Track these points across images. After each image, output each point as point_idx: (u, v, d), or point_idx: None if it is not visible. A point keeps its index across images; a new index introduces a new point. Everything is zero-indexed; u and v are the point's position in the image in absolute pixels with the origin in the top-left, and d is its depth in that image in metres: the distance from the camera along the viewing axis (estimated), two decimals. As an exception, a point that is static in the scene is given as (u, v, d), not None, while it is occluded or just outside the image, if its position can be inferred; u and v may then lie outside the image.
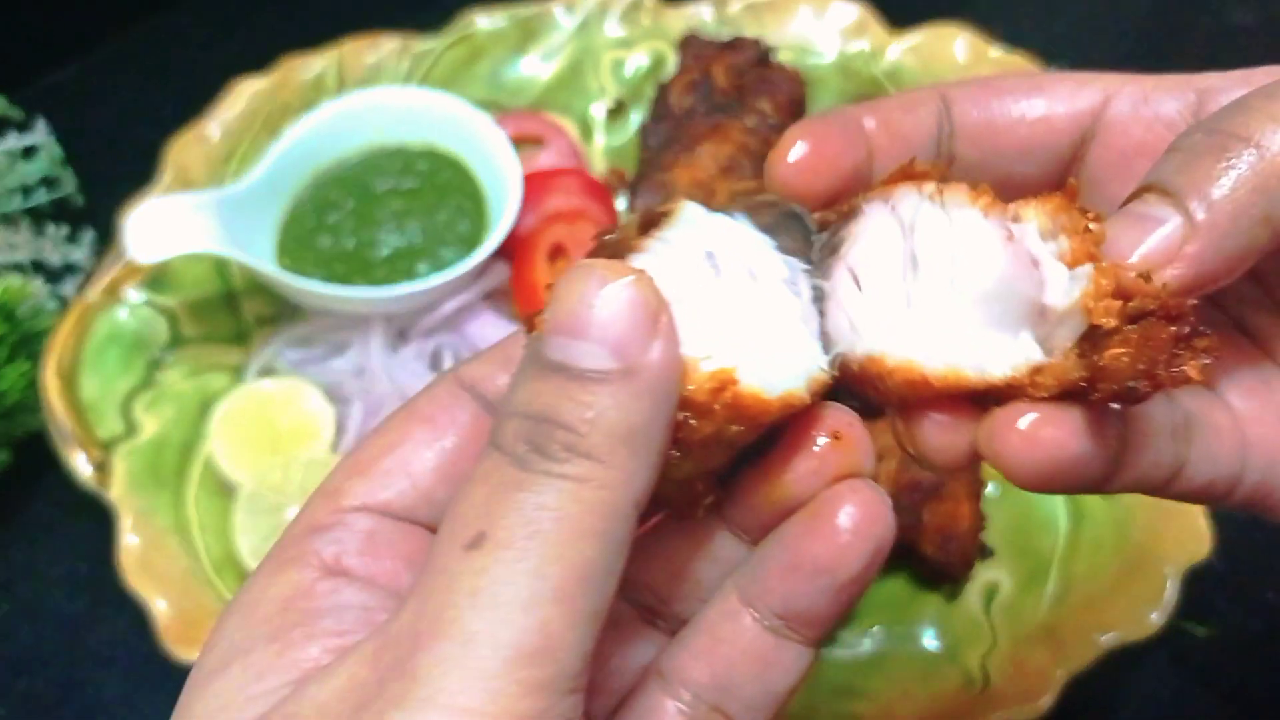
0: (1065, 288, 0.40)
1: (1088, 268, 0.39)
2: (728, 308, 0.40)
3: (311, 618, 0.39)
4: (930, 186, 0.43)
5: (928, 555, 0.89)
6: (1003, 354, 0.41)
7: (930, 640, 0.89)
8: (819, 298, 0.44)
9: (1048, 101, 0.48)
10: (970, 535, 0.89)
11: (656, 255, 0.39)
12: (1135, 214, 0.40)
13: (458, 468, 0.43)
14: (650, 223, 0.40)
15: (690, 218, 0.41)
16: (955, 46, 1.15)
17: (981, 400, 0.42)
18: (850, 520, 0.40)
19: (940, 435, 0.42)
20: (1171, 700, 0.89)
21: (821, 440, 0.41)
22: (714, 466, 0.41)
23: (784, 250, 0.43)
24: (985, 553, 0.91)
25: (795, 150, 0.46)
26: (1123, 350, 0.38)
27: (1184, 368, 0.38)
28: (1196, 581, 0.85)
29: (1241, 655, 0.91)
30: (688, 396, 0.37)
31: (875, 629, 0.90)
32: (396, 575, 0.42)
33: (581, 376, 0.35)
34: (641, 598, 0.45)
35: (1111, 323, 0.38)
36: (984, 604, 0.90)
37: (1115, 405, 0.40)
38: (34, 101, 1.19)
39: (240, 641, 0.39)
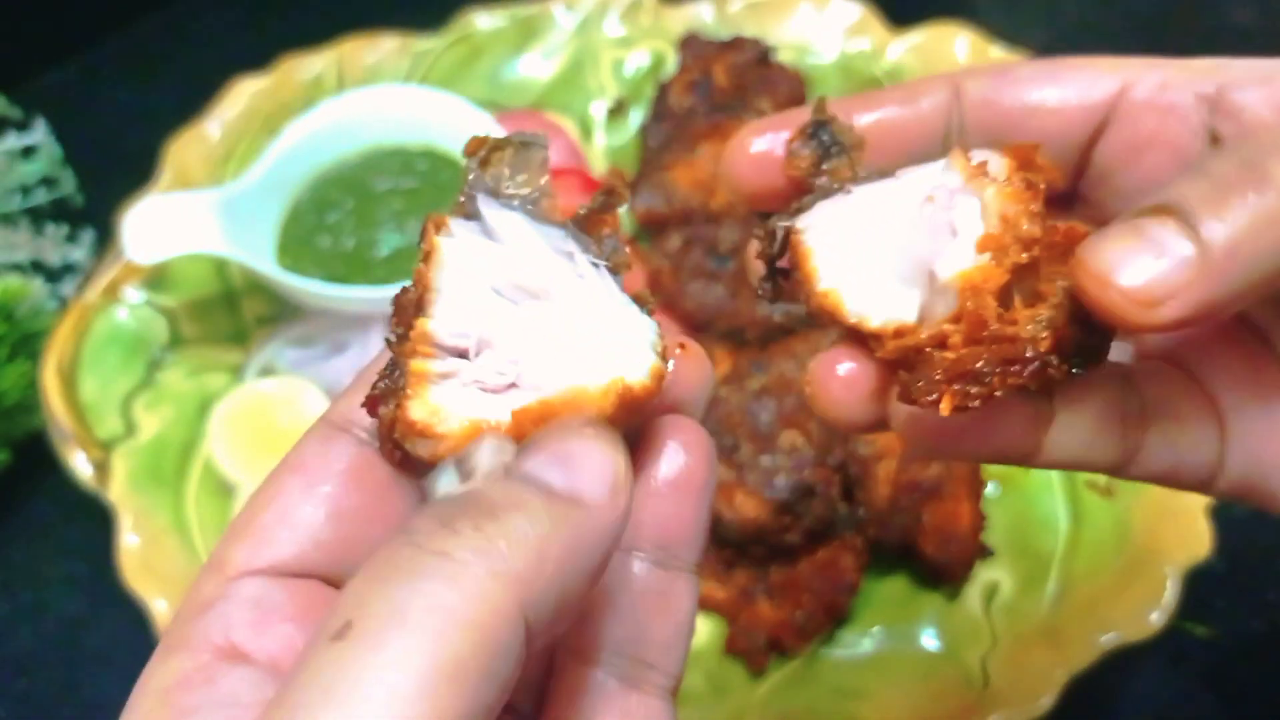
0: (955, 261, 0.40)
1: (985, 257, 0.40)
2: (544, 324, 0.40)
3: (182, 715, 0.35)
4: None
5: (928, 555, 0.88)
6: (886, 306, 0.42)
7: (930, 640, 0.89)
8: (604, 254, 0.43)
9: (1063, 91, 0.47)
10: (970, 535, 0.89)
11: (443, 314, 0.39)
12: (1149, 236, 0.37)
13: (343, 509, 0.41)
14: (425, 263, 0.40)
15: (449, 252, 0.40)
16: (956, 46, 1.15)
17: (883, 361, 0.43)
18: (679, 441, 0.42)
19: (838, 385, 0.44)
20: (1171, 701, 0.89)
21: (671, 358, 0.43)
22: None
23: (545, 220, 0.41)
24: (985, 553, 0.91)
25: (753, 146, 0.47)
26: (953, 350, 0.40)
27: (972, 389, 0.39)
28: (1196, 581, 0.85)
29: (1241, 656, 0.91)
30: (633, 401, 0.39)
31: (875, 629, 0.89)
32: (291, 641, 0.38)
33: (535, 482, 0.34)
34: None
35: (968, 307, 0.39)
36: (984, 604, 0.90)
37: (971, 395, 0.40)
38: (34, 101, 1.19)
39: None
